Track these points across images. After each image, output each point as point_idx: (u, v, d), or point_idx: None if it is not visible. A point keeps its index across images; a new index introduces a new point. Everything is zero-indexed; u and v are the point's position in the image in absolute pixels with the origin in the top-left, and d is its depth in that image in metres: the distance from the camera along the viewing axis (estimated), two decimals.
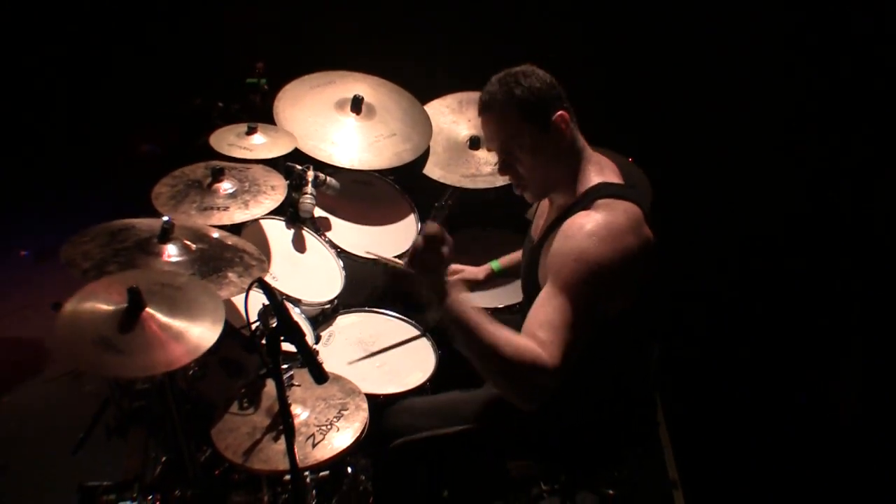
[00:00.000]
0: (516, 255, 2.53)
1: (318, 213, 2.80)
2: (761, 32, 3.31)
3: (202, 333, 1.73)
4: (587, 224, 1.75)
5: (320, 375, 1.71)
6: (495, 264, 2.58)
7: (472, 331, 1.68)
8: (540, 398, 1.69)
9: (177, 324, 1.73)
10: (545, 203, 2.12)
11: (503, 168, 1.97)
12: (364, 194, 3.04)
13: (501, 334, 1.67)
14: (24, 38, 4.62)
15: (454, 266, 2.52)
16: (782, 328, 3.35)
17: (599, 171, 1.92)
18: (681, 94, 3.51)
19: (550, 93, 1.90)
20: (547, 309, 1.71)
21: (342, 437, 1.98)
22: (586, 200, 1.84)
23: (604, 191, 1.85)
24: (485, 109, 1.94)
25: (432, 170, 3.06)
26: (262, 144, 2.67)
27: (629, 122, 3.21)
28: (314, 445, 1.95)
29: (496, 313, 2.60)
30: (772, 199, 3.38)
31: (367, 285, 2.86)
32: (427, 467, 2.06)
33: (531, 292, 1.88)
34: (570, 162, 1.93)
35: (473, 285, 2.56)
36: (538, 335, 1.68)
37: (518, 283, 2.29)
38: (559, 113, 1.88)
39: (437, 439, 1.98)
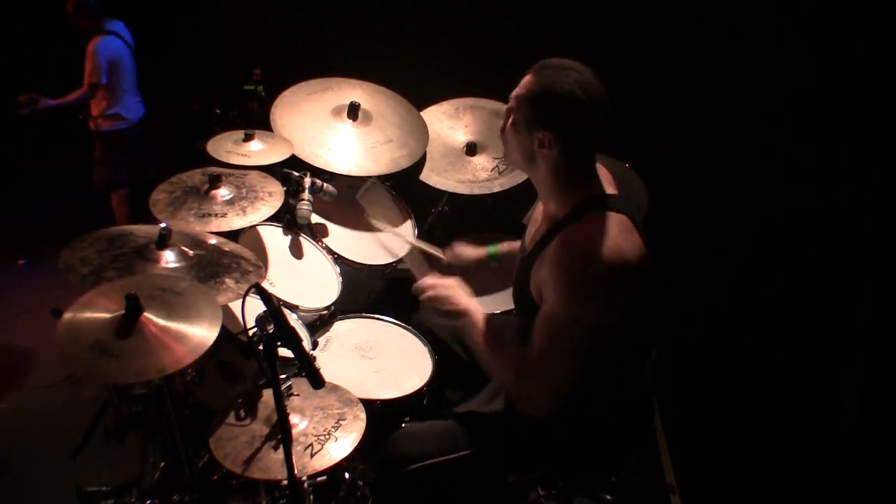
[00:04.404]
0: (515, 246, 2.43)
1: (315, 219, 2.80)
2: (761, 32, 3.32)
3: (199, 336, 1.74)
4: (578, 239, 1.78)
5: (317, 380, 1.72)
6: (492, 250, 2.49)
7: (478, 345, 1.97)
8: (541, 406, 1.88)
9: (174, 326, 1.75)
10: (538, 211, 2.11)
11: (501, 131, 1.95)
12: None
13: (500, 348, 1.93)
14: (22, 43, 4.64)
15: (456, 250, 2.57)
16: (780, 332, 3.35)
17: (593, 183, 1.90)
18: (679, 96, 3.52)
19: (566, 111, 1.78)
20: (540, 325, 1.82)
21: (340, 446, 1.99)
22: (576, 214, 1.84)
23: (593, 203, 1.84)
24: (520, 85, 1.87)
25: (429, 176, 3.08)
26: (259, 151, 2.68)
27: (627, 125, 3.22)
28: (312, 455, 1.96)
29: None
30: (770, 200, 3.38)
31: (365, 291, 2.87)
32: (436, 492, 2.08)
33: (521, 301, 1.93)
34: (560, 176, 1.86)
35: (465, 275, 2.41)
36: (532, 350, 1.83)
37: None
38: (543, 133, 1.80)
39: (447, 464, 1.99)
